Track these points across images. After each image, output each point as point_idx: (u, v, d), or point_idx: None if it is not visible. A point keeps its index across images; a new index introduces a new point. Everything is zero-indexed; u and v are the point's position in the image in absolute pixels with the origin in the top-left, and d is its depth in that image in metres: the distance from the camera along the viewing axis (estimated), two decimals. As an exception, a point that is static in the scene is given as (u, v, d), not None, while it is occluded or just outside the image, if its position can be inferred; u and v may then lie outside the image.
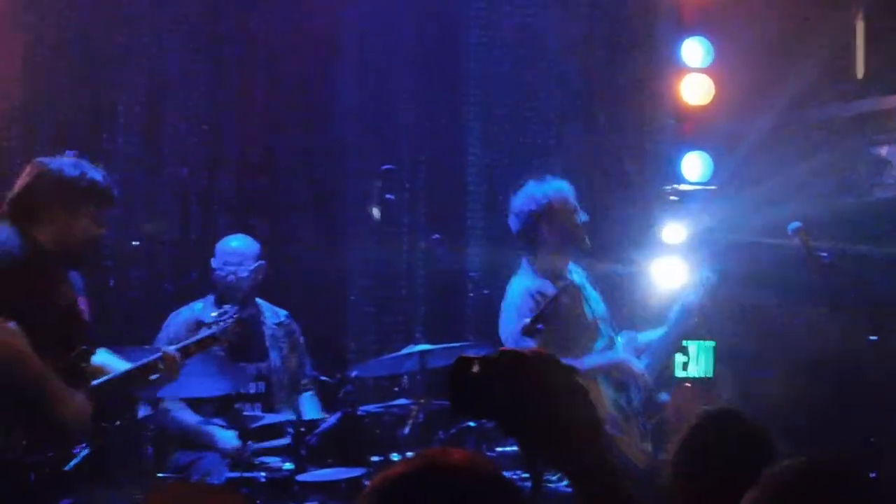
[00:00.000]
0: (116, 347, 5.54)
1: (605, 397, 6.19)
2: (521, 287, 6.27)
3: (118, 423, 5.52)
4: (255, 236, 7.02)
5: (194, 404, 6.62)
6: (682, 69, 7.87)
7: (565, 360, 2.01)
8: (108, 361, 5.37)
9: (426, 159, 8.20)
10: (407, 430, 6.17)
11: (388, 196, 7.01)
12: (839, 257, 6.69)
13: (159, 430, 6.46)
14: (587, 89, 8.38)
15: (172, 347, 5.55)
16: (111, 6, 7.65)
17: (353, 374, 6.80)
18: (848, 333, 7.18)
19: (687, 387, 7.79)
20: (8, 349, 4.83)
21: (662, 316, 6.63)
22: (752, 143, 7.86)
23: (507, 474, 1.94)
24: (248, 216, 7.83)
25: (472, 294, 8.03)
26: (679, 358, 7.64)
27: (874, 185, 8.11)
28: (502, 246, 6.80)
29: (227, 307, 6.09)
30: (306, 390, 7.00)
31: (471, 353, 1.99)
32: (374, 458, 6.19)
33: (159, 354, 5.43)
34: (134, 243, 7.59)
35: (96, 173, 5.21)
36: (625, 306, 7.13)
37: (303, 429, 6.30)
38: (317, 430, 6.32)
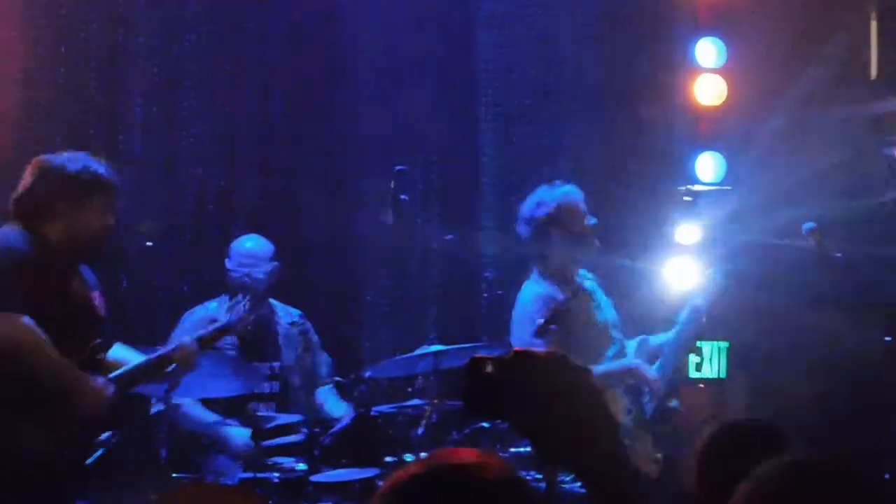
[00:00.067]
0: (130, 347, 5.56)
1: (619, 405, 6.18)
2: (533, 294, 6.25)
3: (131, 419, 5.51)
4: (268, 236, 7.02)
5: (207, 404, 6.63)
6: (696, 69, 7.86)
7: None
8: (125, 355, 5.39)
9: (439, 160, 8.20)
10: (420, 430, 6.16)
11: (401, 196, 7.00)
12: (853, 258, 6.68)
13: (172, 430, 6.44)
14: (601, 89, 8.36)
15: (188, 338, 5.56)
16: (129, 5, 7.67)
17: (367, 374, 6.81)
18: (862, 334, 7.16)
19: (699, 388, 7.78)
20: (22, 343, 4.86)
21: (674, 318, 6.62)
22: (765, 144, 7.85)
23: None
24: (261, 216, 7.83)
25: (485, 294, 8.03)
26: (692, 358, 7.63)
27: (888, 186, 8.09)
28: (516, 246, 6.79)
29: (238, 297, 6.11)
30: (324, 384, 7.00)
31: (484, 354, 1.99)
32: (388, 459, 6.20)
33: (176, 345, 5.45)
34: (148, 244, 7.60)
35: (98, 165, 5.25)
36: (637, 308, 7.12)
37: (317, 429, 6.30)
38: (330, 431, 6.33)
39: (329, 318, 7.45)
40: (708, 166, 7.80)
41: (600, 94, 8.37)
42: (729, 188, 7.77)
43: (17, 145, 6.76)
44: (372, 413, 6.39)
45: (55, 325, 4.94)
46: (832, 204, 7.54)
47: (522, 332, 6.07)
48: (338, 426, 6.37)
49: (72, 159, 5.22)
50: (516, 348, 1.97)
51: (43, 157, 5.29)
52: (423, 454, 5.94)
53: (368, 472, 6.13)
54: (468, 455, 1.88)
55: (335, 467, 6.21)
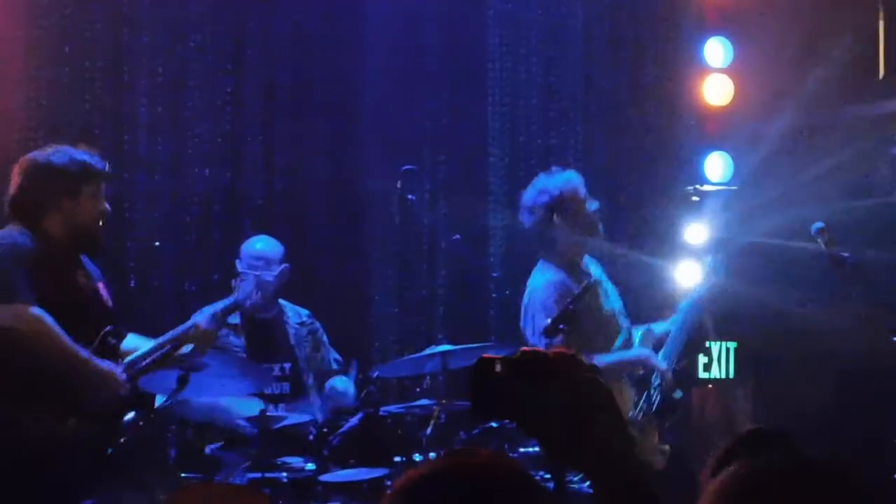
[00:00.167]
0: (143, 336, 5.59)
1: (626, 398, 6.18)
2: (543, 280, 6.23)
3: (137, 413, 5.50)
4: (275, 236, 7.02)
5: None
6: (704, 69, 7.87)
7: (589, 359, 2.01)
8: (139, 344, 5.43)
9: (447, 159, 8.20)
10: (429, 430, 6.16)
11: (409, 196, 7.00)
12: (861, 258, 6.67)
13: (181, 428, 6.43)
14: (609, 90, 8.37)
15: (202, 316, 5.56)
16: (133, 5, 7.68)
17: (375, 374, 6.82)
18: (870, 335, 7.15)
19: (709, 388, 7.78)
20: (34, 333, 4.96)
21: (675, 306, 6.63)
22: (773, 144, 7.84)
23: (529, 475, 1.93)
24: (269, 217, 7.84)
25: (493, 294, 8.03)
26: (701, 358, 7.63)
27: (896, 186, 8.08)
28: (524, 246, 6.79)
29: (243, 273, 6.11)
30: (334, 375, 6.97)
31: (492, 354, 1.99)
32: (397, 459, 6.19)
33: (191, 324, 5.48)
34: (156, 244, 7.61)
35: (83, 154, 5.35)
36: (643, 303, 7.11)
37: (325, 429, 6.31)
38: (339, 431, 6.33)
39: (337, 318, 7.44)
40: (716, 166, 7.81)
41: (608, 93, 8.38)
42: (736, 188, 7.77)
43: (21, 145, 6.77)
44: (380, 413, 6.39)
45: (65, 316, 5.04)
46: (840, 204, 7.53)
47: (537, 320, 6.03)
48: (346, 426, 6.37)
49: (56, 153, 5.31)
50: (524, 348, 1.96)
51: (27, 156, 5.39)
52: (431, 454, 5.96)
53: (377, 472, 6.13)
54: (480, 454, 1.88)
55: (344, 467, 6.21)
